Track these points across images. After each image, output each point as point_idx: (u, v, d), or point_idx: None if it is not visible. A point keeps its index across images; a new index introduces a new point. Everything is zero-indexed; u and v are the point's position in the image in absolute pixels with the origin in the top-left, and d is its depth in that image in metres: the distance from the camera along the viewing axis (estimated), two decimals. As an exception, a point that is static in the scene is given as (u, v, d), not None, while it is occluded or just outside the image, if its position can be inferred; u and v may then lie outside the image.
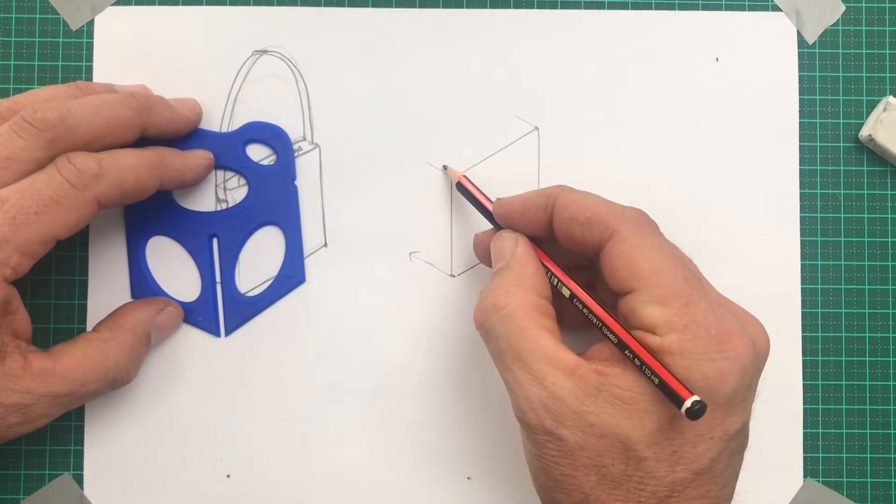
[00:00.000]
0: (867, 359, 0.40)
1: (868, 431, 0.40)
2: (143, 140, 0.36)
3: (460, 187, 0.38)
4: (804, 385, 0.40)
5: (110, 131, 0.35)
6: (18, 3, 0.40)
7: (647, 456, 0.30)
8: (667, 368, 0.30)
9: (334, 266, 0.40)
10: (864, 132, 0.40)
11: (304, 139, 0.40)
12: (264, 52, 0.40)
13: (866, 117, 0.40)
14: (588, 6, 0.40)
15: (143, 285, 0.39)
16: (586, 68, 0.40)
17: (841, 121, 0.40)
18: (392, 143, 0.40)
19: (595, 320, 0.32)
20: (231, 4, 0.40)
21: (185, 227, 0.39)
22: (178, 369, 0.39)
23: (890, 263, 0.40)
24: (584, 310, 0.33)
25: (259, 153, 0.40)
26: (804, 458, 0.40)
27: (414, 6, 0.40)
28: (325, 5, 0.40)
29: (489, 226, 0.37)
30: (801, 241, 0.40)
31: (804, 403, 0.40)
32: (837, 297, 0.40)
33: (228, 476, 0.39)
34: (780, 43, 0.40)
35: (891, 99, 0.40)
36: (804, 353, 0.40)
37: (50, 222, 0.32)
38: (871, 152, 0.41)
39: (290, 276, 0.39)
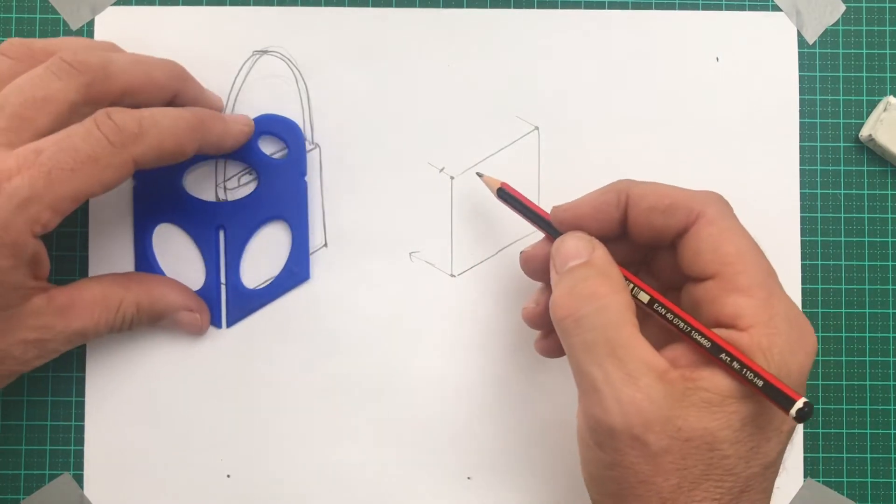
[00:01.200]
0: (867, 359, 0.40)
1: (868, 431, 0.40)
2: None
3: (503, 194, 0.36)
4: (804, 385, 0.40)
5: (145, 88, 0.34)
6: (18, 3, 0.40)
7: (730, 454, 0.29)
8: (761, 367, 0.29)
9: (334, 266, 0.40)
10: (864, 132, 0.40)
11: (305, 139, 0.40)
12: (264, 52, 0.40)
13: (866, 117, 0.40)
14: (588, 6, 0.40)
15: (148, 271, 0.39)
16: (586, 68, 0.40)
17: (841, 121, 0.40)
18: (392, 143, 0.40)
19: (682, 325, 0.31)
20: (231, 4, 0.40)
21: (193, 217, 0.39)
22: (178, 370, 0.39)
23: (890, 263, 0.40)
24: (668, 314, 0.32)
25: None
26: (804, 458, 0.40)
27: (414, 6, 0.40)
28: (325, 5, 0.40)
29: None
30: (801, 241, 0.40)
31: (804, 403, 0.40)
32: (837, 297, 0.40)
33: (228, 476, 0.39)
34: (780, 43, 0.40)
35: (891, 99, 0.40)
36: (804, 353, 0.40)
37: (85, 179, 0.32)
38: (871, 152, 0.40)
39: (295, 272, 0.39)
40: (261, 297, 0.39)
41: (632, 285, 0.32)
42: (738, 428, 0.30)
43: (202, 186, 0.39)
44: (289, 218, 0.39)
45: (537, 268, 0.35)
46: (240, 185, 0.40)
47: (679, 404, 0.29)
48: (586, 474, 0.32)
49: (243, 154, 0.39)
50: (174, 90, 0.36)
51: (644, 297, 0.32)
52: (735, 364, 0.29)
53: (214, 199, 0.40)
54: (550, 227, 0.35)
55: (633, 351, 0.30)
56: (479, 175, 0.38)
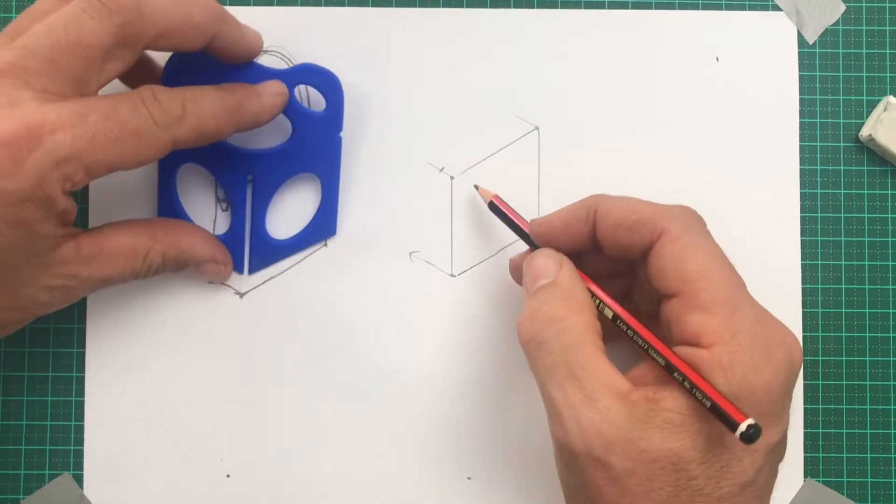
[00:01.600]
0: (867, 359, 0.40)
1: (868, 431, 0.40)
2: (199, 55, 0.35)
3: (493, 207, 0.37)
4: (804, 385, 0.40)
5: (182, 30, 0.33)
6: (18, 3, 0.40)
7: (697, 474, 0.29)
8: (717, 386, 0.29)
9: (334, 266, 0.40)
10: (864, 132, 0.40)
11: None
12: (264, 52, 0.40)
13: (866, 117, 0.40)
14: (588, 6, 0.40)
15: (169, 211, 0.39)
16: (586, 68, 0.40)
17: (841, 121, 0.40)
18: (392, 143, 0.40)
19: (640, 342, 0.31)
20: (231, 4, 0.40)
21: (222, 161, 0.39)
22: (178, 370, 0.39)
23: (890, 263, 0.40)
24: (629, 331, 0.32)
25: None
26: (804, 458, 0.40)
27: (414, 6, 0.40)
28: (325, 5, 0.40)
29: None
30: (801, 241, 0.40)
31: (804, 403, 0.40)
32: (837, 297, 0.40)
33: (228, 476, 0.39)
34: (780, 43, 0.40)
35: (891, 99, 0.40)
36: (804, 353, 0.40)
37: (125, 151, 0.31)
38: (871, 152, 0.40)
39: (322, 226, 0.39)
40: (285, 249, 0.39)
41: (597, 301, 0.33)
42: (703, 447, 0.29)
43: (201, 190, 0.39)
44: (320, 172, 0.39)
45: (521, 278, 0.36)
46: (240, 185, 0.40)
47: (642, 426, 0.29)
48: (564, 495, 0.32)
49: None
50: (213, 32, 0.34)
51: (609, 313, 0.32)
52: (686, 383, 0.29)
53: (213, 205, 0.39)
54: (531, 241, 0.36)
55: (593, 373, 0.30)
56: (476, 187, 0.39)
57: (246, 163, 0.39)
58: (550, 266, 0.33)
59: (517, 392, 0.40)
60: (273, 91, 0.36)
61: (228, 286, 0.40)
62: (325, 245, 0.40)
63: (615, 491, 0.29)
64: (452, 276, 0.40)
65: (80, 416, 0.39)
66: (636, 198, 0.33)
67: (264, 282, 0.40)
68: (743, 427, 0.28)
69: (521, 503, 0.39)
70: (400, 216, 0.40)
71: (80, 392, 0.39)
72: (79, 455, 0.39)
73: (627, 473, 0.29)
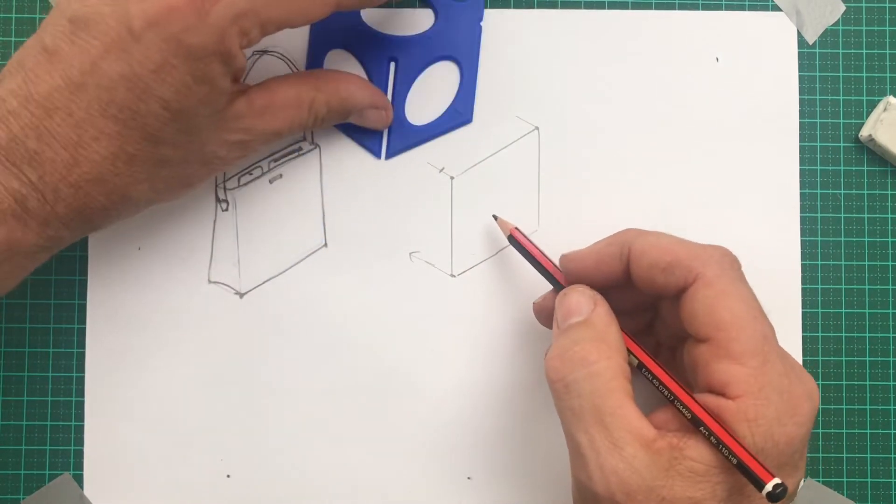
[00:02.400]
0: (867, 359, 0.40)
1: (868, 431, 0.40)
2: None
3: (512, 240, 0.37)
4: (804, 385, 0.40)
5: None
6: (18, 3, 0.40)
7: None
8: (741, 437, 0.29)
9: (334, 266, 0.40)
10: (864, 132, 0.40)
11: (304, 139, 0.40)
12: (264, 52, 0.40)
13: (866, 117, 0.40)
14: (588, 6, 0.40)
15: None
16: (586, 68, 0.40)
17: (841, 121, 0.40)
18: (392, 143, 0.40)
19: (666, 392, 0.31)
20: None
21: (368, 46, 0.40)
22: (177, 369, 0.39)
23: (890, 263, 0.40)
24: (654, 381, 0.32)
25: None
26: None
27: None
28: (326, 5, 0.40)
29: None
30: (801, 241, 0.40)
31: (804, 403, 0.40)
32: (837, 297, 0.40)
33: (228, 476, 0.39)
34: (780, 43, 0.40)
35: (891, 99, 0.40)
36: (804, 353, 0.40)
37: (296, 9, 0.32)
38: (871, 152, 0.40)
39: (460, 112, 0.40)
40: (422, 133, 0.40)
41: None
42: (723, 497, 0.29)
43: (200, 187, 0.39)
44: (460, 59, 0.40)
45: (548, 318, 0.36)
46: (240, 185, 0.40)
47: (665, 474, 0.29)
48: None
49: None
50: None
51: (634, 361, 0.32)
52: (712, 438, 0.29)
53: (214, 200, 0.40)
54: (554, 279, 0.35)
55: (620, 419, 0.30)
56: (495, 217, 0.39)
57: (390, 47, 0.40)
58: (584, 304, 0.33)
59: (517, 392, 0.40)
60: None
61: (228, 286, 0.40)
62: (326, 245, 0.40)
63: None
64: (452, 276, 0.40)
65: (80, 416, 0.39)
66: (670, 235, 0.33)
67: (264, 282, 0.40)
68: (770, 487, 0.28)
69: (521, 503, 0.40)
70: (400, 216, 0.40)
71: (80, 392, 0.39)
72: (79, 455, 0.39)
73: None
